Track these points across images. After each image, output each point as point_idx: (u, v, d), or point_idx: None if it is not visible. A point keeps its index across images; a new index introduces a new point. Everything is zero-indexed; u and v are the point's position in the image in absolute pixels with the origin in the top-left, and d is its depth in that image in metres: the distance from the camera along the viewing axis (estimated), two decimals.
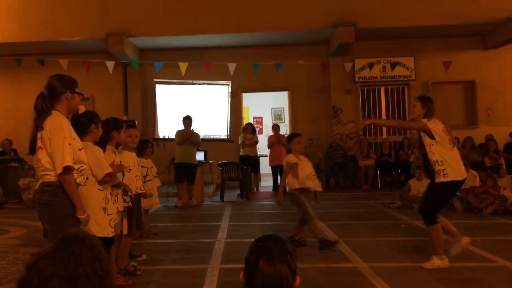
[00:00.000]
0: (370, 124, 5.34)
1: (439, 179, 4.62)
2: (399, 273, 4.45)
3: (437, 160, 4.60)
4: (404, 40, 12.04)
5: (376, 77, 12.17)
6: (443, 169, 4.58)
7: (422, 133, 4.68)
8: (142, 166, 6.29)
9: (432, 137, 4.59)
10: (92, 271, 1.18)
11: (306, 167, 5.58)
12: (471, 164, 9.15)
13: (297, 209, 5.53)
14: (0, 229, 6.99)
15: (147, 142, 6.71)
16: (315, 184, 5.61)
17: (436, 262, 4.49)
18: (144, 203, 6.26)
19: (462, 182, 4.77)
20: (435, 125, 4.60)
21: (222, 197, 9.84)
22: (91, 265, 1.18)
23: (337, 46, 11.34)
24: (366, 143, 11.75)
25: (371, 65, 11.57)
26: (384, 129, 12.52)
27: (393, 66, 11.76)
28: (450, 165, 4.58)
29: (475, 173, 8.23)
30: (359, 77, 12.22)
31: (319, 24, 11.10)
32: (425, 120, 4.63)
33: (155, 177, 6.46)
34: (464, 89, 12.49)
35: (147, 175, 6.31)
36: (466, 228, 6.02)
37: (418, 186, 8.34)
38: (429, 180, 8.36)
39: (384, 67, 12.12)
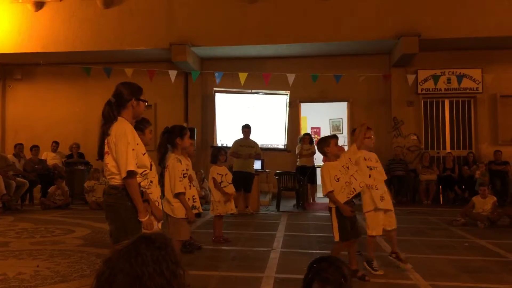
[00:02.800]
0: None
1: None
2: None
3: None
4: (471, 51, 11.60)
5: (440, 89, 11.77)
6: None
7: None
8: (217, 173, 6.45)
9: None
10: (155, 271, 1.22)
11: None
12: None
13: None
14: (66, 229, 7.33)
15: (220, 150, 6.85)
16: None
17: None
18: (221, 209, 6.40)
19: None
20: None
21: (278, 207, 9.82)
22: (155, 265, 1.23)
23: (399, 56, 11.09)
24: (428, 156, 11.35)
25: (435, 77, 11.18)
26: (448, 143, 12.08)
27: (459, 78, 11.30)
28: None
29: None
30: (422, 89, 11.87)
31: (381, 34, 10.91)
32: None
33: (229, 183, 6.58)
34: None
35: (221, 181, 6.45)
36: None
37: (483, 204, 7.97)
38: (495, 198, 8.02)
39: (449, 79, 11.70)
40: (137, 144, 3.21)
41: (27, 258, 5.32)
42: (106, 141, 3.18)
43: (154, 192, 4.48)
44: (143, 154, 3.26)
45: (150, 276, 1.21)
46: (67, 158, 11.58)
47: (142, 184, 3.26)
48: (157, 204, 4.55)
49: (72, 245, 6.07)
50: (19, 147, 11.15)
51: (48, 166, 11.21)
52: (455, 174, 11.12)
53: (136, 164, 3.14)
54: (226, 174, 6.62)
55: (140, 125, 3.86)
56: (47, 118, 12.92)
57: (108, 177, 3.23)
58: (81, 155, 11.67)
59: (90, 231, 7.16)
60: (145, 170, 3.26)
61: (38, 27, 11.74)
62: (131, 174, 3.10)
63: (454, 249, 6.08)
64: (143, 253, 1.24)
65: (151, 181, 3.47)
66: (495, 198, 8.12)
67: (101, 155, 3.27)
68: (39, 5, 11.74)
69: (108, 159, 3.18)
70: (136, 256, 1.23)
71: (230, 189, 6.61)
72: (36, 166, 10.95)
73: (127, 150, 3.09)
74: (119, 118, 3.19)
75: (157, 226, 3.74)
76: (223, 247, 6.14)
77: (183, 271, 1.29)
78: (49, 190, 10.18)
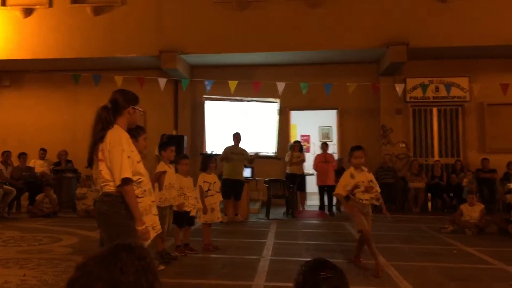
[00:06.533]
0: None
1: None
2: None
3: None
4: (458, 60, 11.74)
5: (429, 98, 11.88)
6: None
7: None
8: (204, 181, 6.44)
9: None
10: (135, 282, 1.17)
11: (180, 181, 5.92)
12: None
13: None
14: (53, 237, 7.26)
15: (211, 157, 6.82)
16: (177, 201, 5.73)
17: None
18: (207, 217, 6.38)
19: None
20: None
21: (267, 215, 9.81)
22: (135, 275, 1.18)
23: (388, 65, 11.19)
24: (417, 164, 11.43)
25: (424, 86, 11.28)
26: (436, 151, 12.17)
27: (447, 87, 11.42)
28: None
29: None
30: (410, 97, 11.98)
31: (370, 43, 11.01)
32: None
33: (217, 192, 6.55)
34: None
35: (209, 189, 6.43)
36: None
37: (471, 211, 8.03)
38: (482, 206, 8.09)
39: (437, 88, 11.83)
40: (132, 151, 3.19)
41: (14, 267, 5.25)
42: (100, 147, 3.14)
43: (145, 201, 4.41)
44: (138, 162, 3.24)
45: (130, 286, 1.16)
46: (55, 165, 11.49)
47: (136, 192, 3.21)
48: (146, 213, 4.47)
49: (60, 254, 6.01)
50: (6, 155, 11.03)
51: (36, 174, 11.10)
52: (443, 182, 11.21)
53: (132, 171, 3.12)
54: (215, 182, 6.59)
55: (134, 132, 3.78)
56: (35, 125, 12.82)
57: (102, 184, 3.17)
58: (69, 163, 11.58)
59: (78, 239, 7.09)
60: (139, 178, 3.24)
61: (27, 34, 11.68)
62: (126, 181, 3.06)
63: (442, 257, 6.11)
64: (123, 261, 1.18)
65: (145, 190, 3.42)
66: (482, 206, 8.19)
67: (90, 162, 3.24)
68: (28, 12, 11.69)
69: (102, 166, 3.14)
70: (115, 263, 1.17)
71: (217, 197, 6.58)
72: (24, 173, 10.84)
73: (122, 157, 3.06)
74: (115, 125, 3.17)
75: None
76: (212, 255, 6.11)
77: (159, 285, 1.25)
78: (36, 198, 10.08)
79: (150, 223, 4.38)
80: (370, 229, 5.29)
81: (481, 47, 10.81)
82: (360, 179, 5.35)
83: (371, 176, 5.47)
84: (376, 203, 5.46)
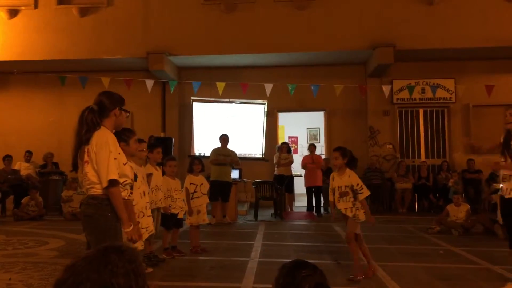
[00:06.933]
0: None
1: None
2: None
3: None
4: (444, 61, 11.86)
5: (415, 99, 11.97)
6: None
7: None
8: (191, 183, 6.42)
9: None
10: (125, 285, 1.16)
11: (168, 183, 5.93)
12: None
13: None
14: (39, 240, 7.17)
15: (195, 159, 6.80)
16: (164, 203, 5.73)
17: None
18: (192, 219, 6.36)
19: None
20: None
21: (255, 216, 9.81)
22: (125, 278, 1.17)
23: (375, 67, 11.27)
24: (404, 165, 11.52)
25: (410, 88, 11.38)
26: (422, 152, 12.28)
27: (433, 88, 11.54)
28: None
29: None
30: (397, 99, 12.06)
31: (357, 45, 11.07)
32: None
33: (203, 194, 6.53)
34: None
35: (195, 191, 6.41)
36: None
37: (457, 212, 8.11)
38: (468, 206, 8.17)
39: (423, 89, 11.93)
40: (119, 153, 3.15)
41: None
42: (86, 149, 3.09)
43: (139, 203, 4.41)
44: (124, 164, 3.21)
45: None
46: (41, 168, 11.37)
47: (122, 194, 3.17)
48: (142, 215, 4.50)
49: (46, 257, 5.94)
50: None
51: (21, 176, 10.97)
52: (429, 182, 11.31)
53: (118, 173, 3.08)
54: (202, 184, 6.56)
55: (123, 136, 3.76)
56: (20, 127, 12.67)
57: (88, 186, 3.12)
58: (55, 165, 11.47)
59: (64, 242, 7.03)
60: (126, 180, 3.21)
61: (12, 35, 11.55)
62: (113, 183, 3.02)
63: (429, 257, 6.16)
64: (114, 263, 1.17)
65: (131, 192, 3.38)
66: (468, 206, 8.27)
67: (75, 165, 3.19)
68: (13, 13, 11.56)
69: (88, 168, 3.09)
70: (105, 265, 1.16)
71: (203, 199, 6.56)
72: (9, 176, 10.71)
73: (109, 159, 3.02)
74: (101, 127, 3.12)
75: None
76: (200, 257, 6.09)
77: (148, 287, 1.24)
78: (22, 201, 9.96)
79: (145, 225, 4.38)
80: (350, 230, 4.97)
81: (466, 49, 10.94)
82: (336, 184, 5.09)
83: (351, 181, 5.01)
84: (355, 219, 4.98)
